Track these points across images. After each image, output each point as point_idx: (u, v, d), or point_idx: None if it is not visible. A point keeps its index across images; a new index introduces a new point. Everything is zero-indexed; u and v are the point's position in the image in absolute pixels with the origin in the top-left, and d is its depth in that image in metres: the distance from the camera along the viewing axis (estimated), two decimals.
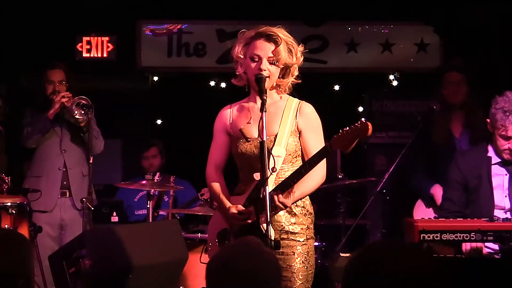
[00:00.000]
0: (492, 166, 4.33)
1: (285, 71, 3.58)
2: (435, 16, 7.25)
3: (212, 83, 7.75)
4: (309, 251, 3.55)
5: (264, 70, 3.47)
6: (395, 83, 7.79)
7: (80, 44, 7.55)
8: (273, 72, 3.51)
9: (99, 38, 7.55)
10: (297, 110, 3.59)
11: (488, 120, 4.30)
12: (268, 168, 3.32)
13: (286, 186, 3.39)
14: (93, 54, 7.55)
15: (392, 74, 7.78)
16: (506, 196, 4.29)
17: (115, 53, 7.57)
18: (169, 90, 7.84)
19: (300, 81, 3.64)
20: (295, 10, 7.22)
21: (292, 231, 3.52)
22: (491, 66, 6.69)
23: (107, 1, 7.23)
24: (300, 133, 3.59)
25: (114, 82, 7.69)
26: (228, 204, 3.55)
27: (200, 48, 7.63)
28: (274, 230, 3.41)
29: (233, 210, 3.50)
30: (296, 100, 3.64)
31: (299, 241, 3.52)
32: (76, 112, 5.31)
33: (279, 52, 3.49)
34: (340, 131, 3.33)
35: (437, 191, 5.25)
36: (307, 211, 3.59)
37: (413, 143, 5.41)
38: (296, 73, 3.60)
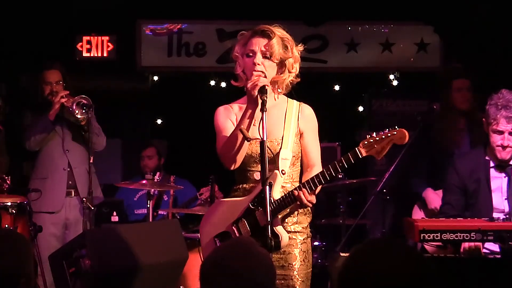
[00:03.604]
0: (490, 169, 4.33)
1: (282, 68, 3.56)
2: (435, 16, 7.26)
3: (212, 83, 7.76)
4: (308, 249, 3.58)
5: (258, 64, 3.45)
6: (395, 83, 7.80)
7: (80, 43, 7.56)
8: (268, 68, 3.48)
9: (99, 37, 7.56)
10: (298, 112, 3.59)
11: (483, 119, 4.31)
12: (278, 171, 3.40)
13: (311, 186, 3.40)
14: (93, 53, 7.55)
15: (392, 74, 7.78)
16: (505, 199, 4.29)
17: (115, 53, 7.58)
18: (169, 90, 7.84)
19: (299, 79, 3.62)
20: (295, 10, 7.22)
21: (294, 230, 3.54)
22: (491, 66, 6.69)
23: (107, 1, 7.23)
24: (301, 135, 3.59)
25: (114, 82, 7.69)
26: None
27: (200, 48, 7.64)
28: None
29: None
30: (295, 102, 3.63)
31: (300, 239, 3.55)
32: (76, 111, 5.31)
33: (272, 46, 3.47)
34: (368, 136, 3.36)
35: (428, 195, 5.28)
36: (308, 210, 3.61)
37: (413, 143, 5.41)
38: (294, 70, 3.56)
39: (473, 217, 4.14)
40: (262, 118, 3.29)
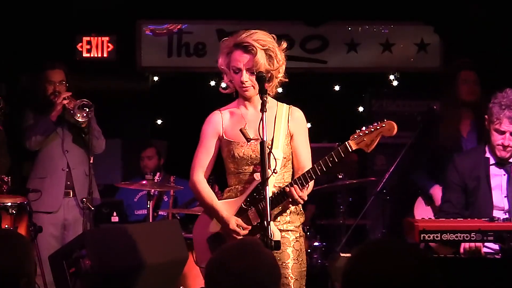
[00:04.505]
0: (490, 167, 4.32)
1: (268, 76, 3.58)
2: (435, 16, 7.26)
3: (212, 83, 7.75)
4: (301, 248, 3.63)
5: (246, 81, 3.54)
6: (395, 83, 7.80)
7: (80, 44, 7.56)
8: (255, 81, 3.52)
9: (99, 38, 7.56)
10: (288, 115, 3.64)
11: (486, 116, 4.30)
12: (270, 169, 3.38)
13: (303, 182, 3.45)
14: (93, 54, 7.55)
15: (392, 74, 7.79)
16: (505, 197, 4.28)
17: (115, 53, 7.58)
18: (169, 90, 7.84)
19: (287, 80, 3.65)
20: (295, 10, 7.22)
21: (286, 229, 3.59)
22: (491, 66, 6.68)
23: (107, 1, 7.23)
24: (291, 137, 3.64)
25: (114, 82, 7.69)
26: (225, 213, 3.56)
27: (200, 48, 7.64)
28: None
29: (234, 225, 3.53)
30: (285, 105, 3.70)
31: (292, 238, 3.59)
32: (78, 115, 5.31)
33: (257, 62, 3.51)
34: (358, 131, 3.45)
35: (436, 192, 5.25)
36: (300, 210, 3.67)
37: (413, 143, 5.41)
38: (280, 74, 3.61)
39: (473, 215, 4.14)
40: (262, 119, 3.33)
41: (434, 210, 5.28)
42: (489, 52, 6.92)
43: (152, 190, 5.81)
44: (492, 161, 4.32)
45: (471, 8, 6.92)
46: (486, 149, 4.35)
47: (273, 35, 3.61)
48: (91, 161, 5.33)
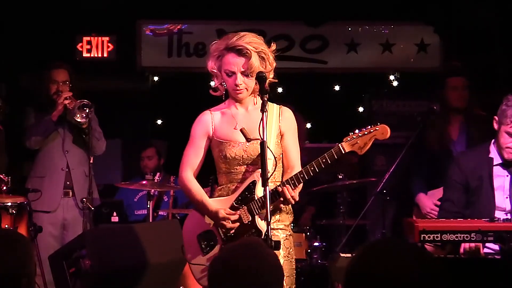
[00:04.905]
0: (494, 167, 4.31)
1: None
2: (435, 16, 7.26)
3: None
4: (291, 246, 3.67)
5: (240, 84, 3.56)
6: (395, 83, 7.80)
7: (80, 44, 7.56)
8: (249, 83, 3.58)
9: (99, 38, 7.56)
10: (279, 115, 3.67)
11: (495, 117, 4.28)
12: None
13: (295, 182, 3.48)
14: (93, 54, 7.55)
15: (392, 74, 7.78)
16: (507, 198, 4.27)
17: (115, 53, 7.58)
18: (169, 90, 7.84)
19: (276, 80, 3.68)
20: (295, 10, 7.22)
21: (276, 227, 3.61)
22: (491, 66, 6.69)
23: (107, 1, 7.23)
24: (282, 136, 3.67)
25: (114, 82, 7.69)
26: (214, 207, 3.58)
27: (200, 48, 7.64)
28: None
29: (223, 212, 3.53)
30: (275, 105, 3.71)
31: (282, 236, 3.62)
32: (78, 115, 5.31)
33: (252, 65, 3.55)
34: (351, 133, 3.50)
35: (421, 200, 5.31)
36: (290, 210, 3.70)
37: (413, 144, 5.42)
38: (271, 75, 3.65)
39: (474, 215, 4.13)
40: (262, 119, 3.35)
41: (418, 217, 5.30)
42: (489, 52, 6.92)
43: (152, 190, 5.81)
44: (496, 161, 4.30)
45: (471, 8, 6.93)
46: (491, 149, 4.33)
47: (261, 36, 3.64)
48: (91, 162, 5.34)
